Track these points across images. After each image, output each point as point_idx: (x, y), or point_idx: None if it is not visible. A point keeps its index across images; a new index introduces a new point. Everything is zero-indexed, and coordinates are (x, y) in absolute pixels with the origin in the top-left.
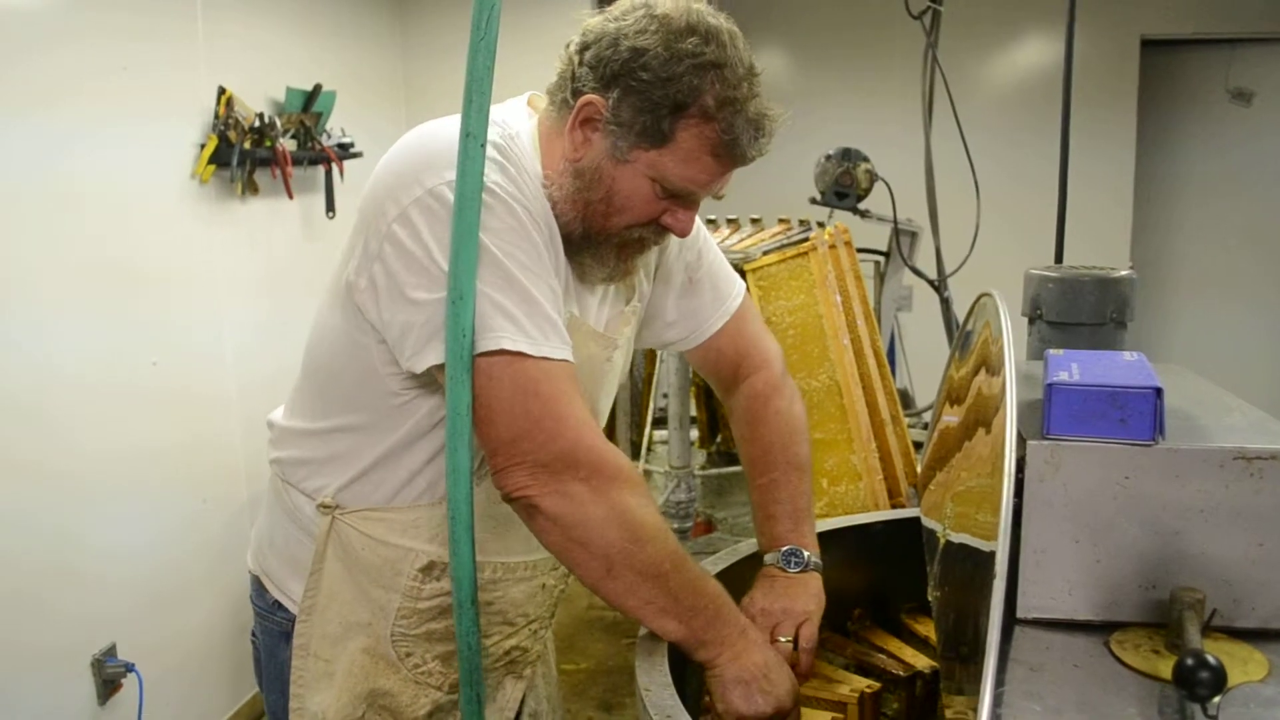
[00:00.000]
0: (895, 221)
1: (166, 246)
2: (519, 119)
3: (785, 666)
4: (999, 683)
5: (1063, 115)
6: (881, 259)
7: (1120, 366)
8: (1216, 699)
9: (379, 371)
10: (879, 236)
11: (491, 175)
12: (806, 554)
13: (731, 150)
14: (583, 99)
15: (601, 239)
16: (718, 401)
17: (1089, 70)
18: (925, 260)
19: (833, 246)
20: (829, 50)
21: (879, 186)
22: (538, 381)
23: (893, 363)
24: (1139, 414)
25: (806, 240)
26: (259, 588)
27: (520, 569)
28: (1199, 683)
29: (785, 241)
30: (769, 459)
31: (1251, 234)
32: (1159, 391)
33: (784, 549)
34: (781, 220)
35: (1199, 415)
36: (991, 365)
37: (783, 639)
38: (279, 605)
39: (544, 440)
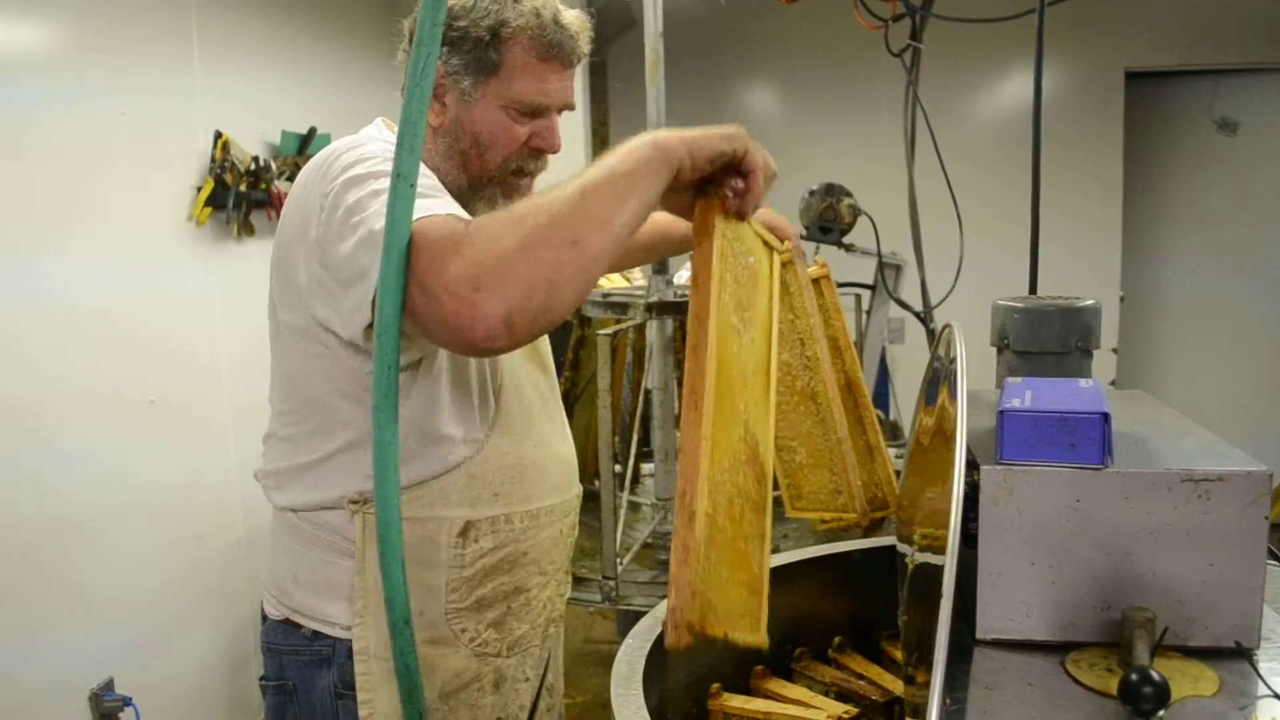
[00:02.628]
0: (880, 255)
1: (164, 287)
2: (385, 133)
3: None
4: (954, 700)
5: (1033, 148)
6: (865, 293)
7: (1073, 393)
8: (1161, 713)
9: (352, 369)
10: (864, 270)
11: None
12: None
13: (556, 51)
14: None
15: (485, 181)
16: None
17: (1074, 103)
18: (911, 293)
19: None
20: (812, 88)
21: (863, 220)
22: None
23: (884, 395)
24: (1088, 439)
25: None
26: (287, 629)
27: (543, 515)
28: (1143, 697)
29: None
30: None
31: (1238, 261)
32: (1106, 417)
33: None
34: None
35: (1152, 439)
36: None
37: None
38: (317, 634)
39: (435, 271)
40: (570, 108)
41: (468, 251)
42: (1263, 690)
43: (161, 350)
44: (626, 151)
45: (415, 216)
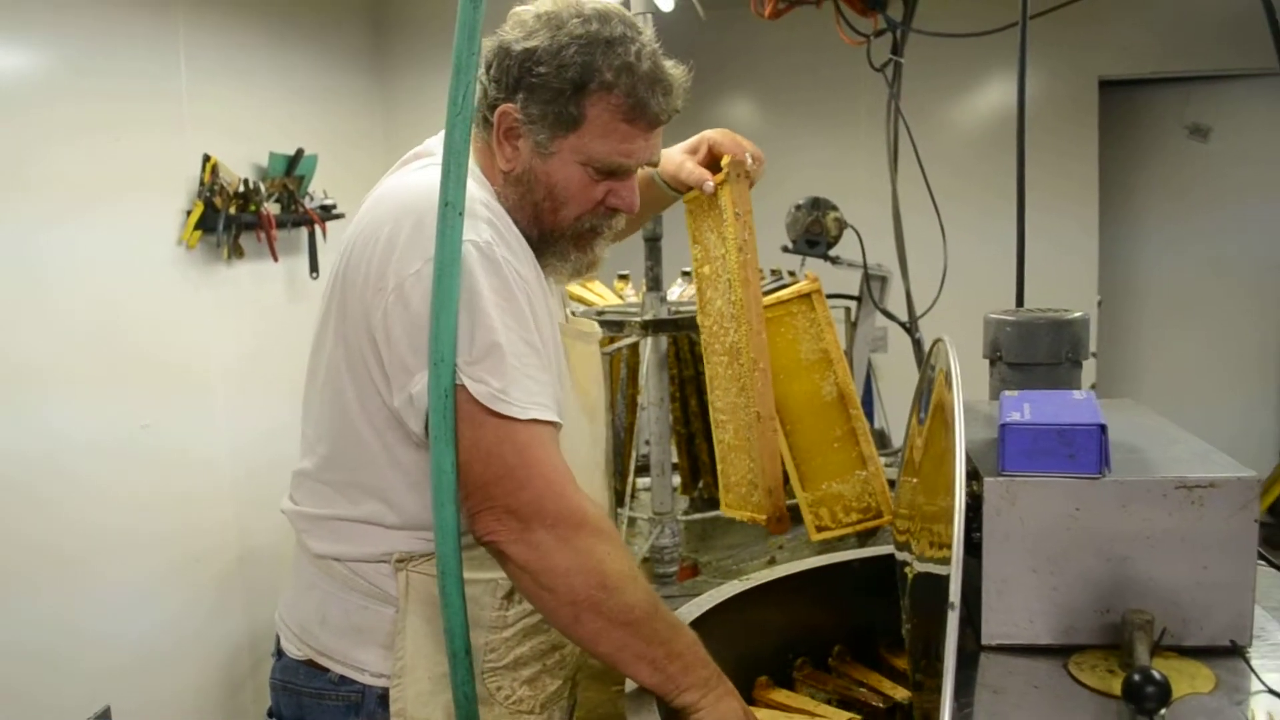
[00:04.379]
0: (865, 267)
1: (155, 310)
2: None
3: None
4: (962, 705)
5: (1018, 163)
6: (853, 304)
7: (1069, 405)
8: (1163, 711)
9: (401, 431)
10: (850, 282)
11: (483, 233)
12: None
13: (642, 112)
14: (498, 111)
15: (556, 236)
16: (698, 448)
17: (1050, 112)
18: (896, 303)
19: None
20: (797, 103)
21: (849, 233)
22: (516, 432)
23: (870, 404)
24: (1086, 449)
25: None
26: (311, 670)
27: None
28: (1146, 697)
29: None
30: None
31: (1212, 264)
32: (1103, 428)
33: None
34: None
35: (1145, 448)
36: (948, 407)
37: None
38: (344, 679)
39: (514, 487)
40: (654, 165)
41: (581, 537)
42: (1257, 686)
43: (153, 375)
44: (698, 664)
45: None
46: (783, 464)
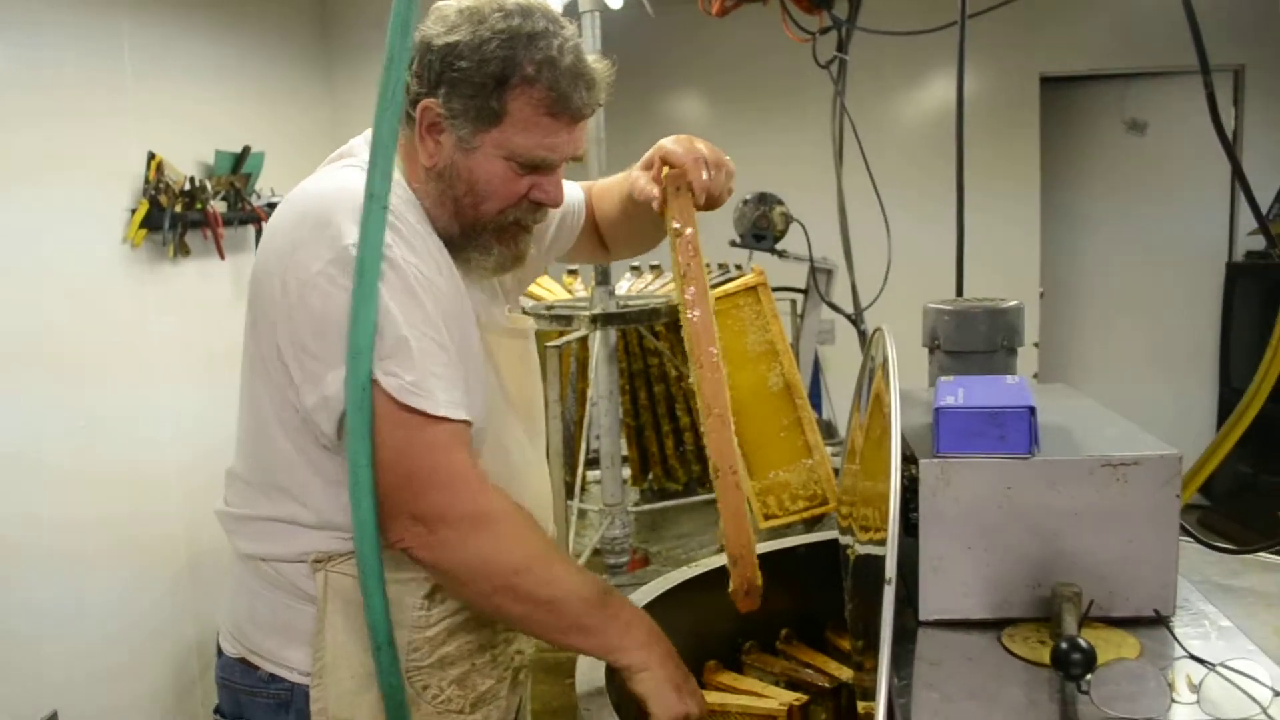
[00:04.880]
0: (811, 260)
1: (100, 309)
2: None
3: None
4: (901, 677)
5: (957, 158)
6: (799, 297)
7: (1001, 389)
8: (1089, 677)
9: (315, 434)
10: (796, 275)
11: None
12: None
13: (564, 106)
14: (420, 106)
15: (479, 230)
16: (648, 439)
17: (993, 109)
18: (842, 296)
19: (753, 288)
20: (744, 99)
21: (795, 227)
22: (424, 429)
23: (817, 395)
24: (1016, 431)
25: (741, 277)
26: (244, 667)
27: None
28: (1073, 664)
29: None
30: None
31: (1150, 254)
32: (1033, 410)
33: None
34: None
35: (1074, 429)
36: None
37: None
38: (274, 678)
39: (419, 490)
40: (579, 160)
41: (484, 531)
42: (1179, 652)
43: (99, 375)
44: (636, 626)
45: (428, 409)
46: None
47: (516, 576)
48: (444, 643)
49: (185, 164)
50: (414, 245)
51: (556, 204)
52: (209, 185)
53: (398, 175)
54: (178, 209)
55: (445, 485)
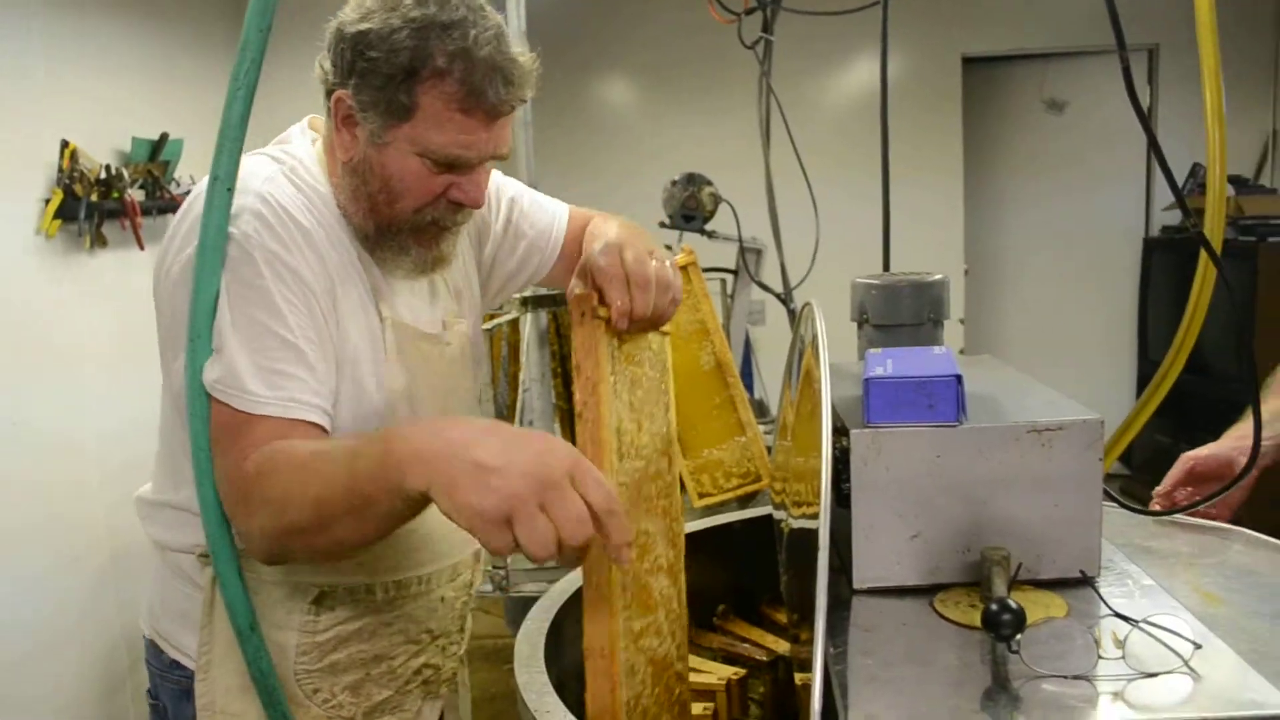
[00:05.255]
0: (741, 240)
1: (14, 303)
2: (302, 143)
3: (529, 433)
4: (837, 644)
5: (882, 137)
6: (729, 277)
7: (928, 359)
8: (1019, 637)
9: None
10: (726, 256)
11: (244, 226)
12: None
13: (478, 101)
14: (333, 98)
15: (394, 229)
16: None
17: (916, 89)
18: (772, 275)
19: (683, 268)
20: (671, 79)
21: (724, 207)
22: (245, 425)
23: (750, 375)
24: (944, 399)
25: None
26: (154, 649)
27: (414, 585)
28: (1002, 624)
29: None
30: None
31: (1071, 230)
32: (959, 379)
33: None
34: None
35: (1000, 397)
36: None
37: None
38: (176, 664)
39: (223, 490)
40: (501, 158)
41: (252, 498)
42: (1105, 611)
43: (18, 369)
44: (388, 455)
45: (221, 386)
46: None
47: (285, 517)
48: (334, 649)
49: (101, 152)
50: (280, 234)
51: (477, 205)
52: (126, 173)
53: (314, 165)
54: (94, 198)
55: (227, 479)
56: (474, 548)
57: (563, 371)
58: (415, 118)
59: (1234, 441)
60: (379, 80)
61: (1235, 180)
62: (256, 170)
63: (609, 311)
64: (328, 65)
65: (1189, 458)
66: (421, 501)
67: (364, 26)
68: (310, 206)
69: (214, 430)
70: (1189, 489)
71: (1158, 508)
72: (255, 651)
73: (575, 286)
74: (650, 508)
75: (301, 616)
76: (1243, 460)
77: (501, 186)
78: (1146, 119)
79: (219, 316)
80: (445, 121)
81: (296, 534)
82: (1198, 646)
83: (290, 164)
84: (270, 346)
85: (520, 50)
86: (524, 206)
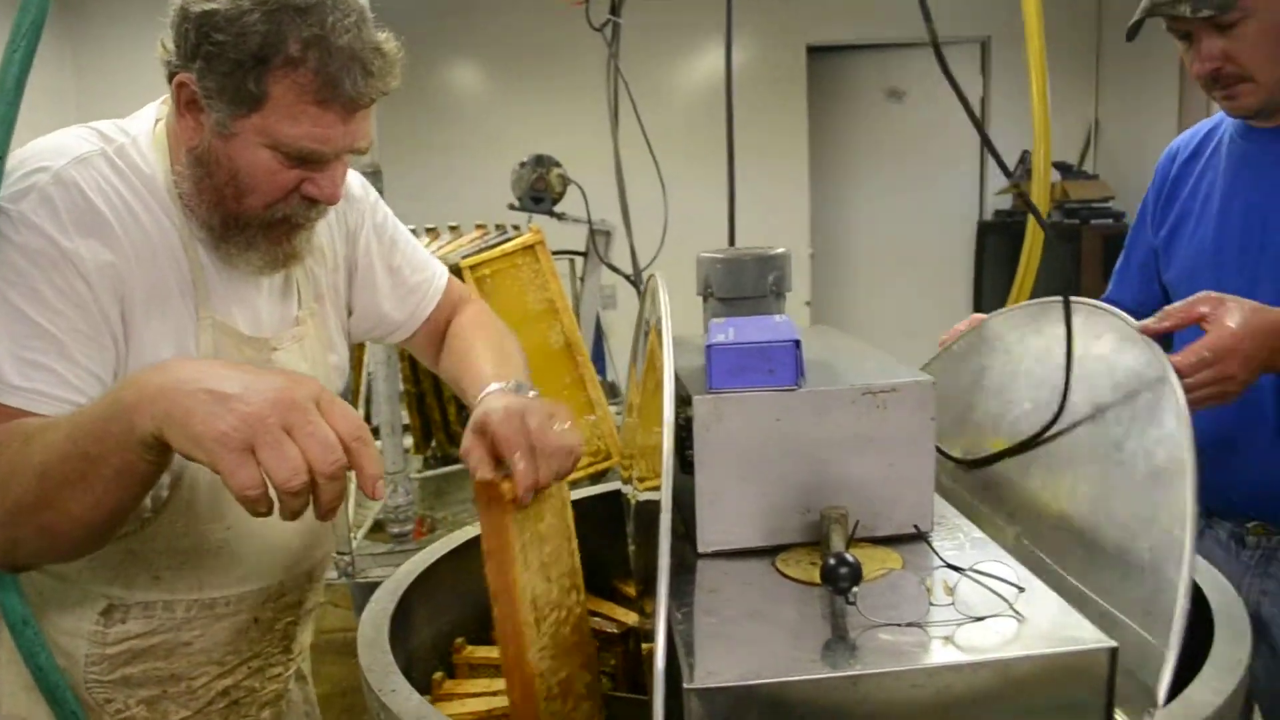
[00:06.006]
0: (590, 222)
1: None
2: (142, 121)
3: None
4: (681, 605)
5: (727, 123)
6: (579, 259)
7: (769, 327)
8: (855, 589)
9: None
10: (576, 238)
11: (27, 205)
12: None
13: (334, 92)
14: (175, 81)
15: (242, 225)
16: (429, 406)
17: (762, 76)
18: (621, 256)
19: (530, 246)
20: (519, 61)
21: (573, 189)
22: None
23: (601, 359)
24: (783, 364)
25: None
26: None
27: (220, 605)
28: (840, 577)
29: (484, 245)
30: (464, 335)
31: (910, 215)
32: (798, 344)
33: (505, 382)
34: (479, 226)
35: (837, 363)
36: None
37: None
38: None
39: None
40: (360, 152)
41: None
42: (937, 563)
43: None
44: (113, 416)
45: None
46: None
47: (33, 514)
48: (126, 664)
49: None
50: (64, 219)
51: (333, 201)
52: None
53: (148, 148)
54: None
55: None
56: (303, 568)
57: (409, 355)
58: (265, 108)
59: None
60: (226, 66)
61: (1060, 166)
62: (67, 147)
63: (514, 489)
64: (170, 45)
65: None
66: (158, 449)
67: (210, 6)
68: (128, 193)
69: None
70: None
71: None
72: (30, 646)
73: (475, 464)
74: (567, 646)
75: (90, 626)
76: None
77: (376, 203)
78: (973, 111)
79: None
80: (298, 113)
81: (25, 513)
82: (1021, 590)
83: (120, 144)
84: (26, 334)
85: (385, 37)
86: (404, 244)
